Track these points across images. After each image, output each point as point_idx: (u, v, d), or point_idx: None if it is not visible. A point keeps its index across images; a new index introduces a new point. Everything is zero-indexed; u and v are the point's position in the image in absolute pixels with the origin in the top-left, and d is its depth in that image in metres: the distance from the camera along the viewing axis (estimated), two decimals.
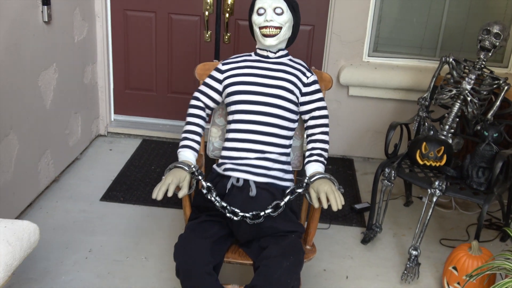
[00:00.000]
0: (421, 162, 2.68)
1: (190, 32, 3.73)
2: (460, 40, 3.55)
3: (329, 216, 3.09)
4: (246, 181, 2.06)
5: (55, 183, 3.23)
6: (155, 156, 3.67)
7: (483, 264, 2.24)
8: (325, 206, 1.90)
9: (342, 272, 2.63)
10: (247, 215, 1.95)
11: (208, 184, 1.99)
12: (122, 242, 2.73)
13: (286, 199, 1.97)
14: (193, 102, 2.23)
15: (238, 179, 2.08)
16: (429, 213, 2.54)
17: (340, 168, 3.69)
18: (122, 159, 3.62)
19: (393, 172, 2.69)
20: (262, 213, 1.96)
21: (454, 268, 2.42)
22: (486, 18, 3.38)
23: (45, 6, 2.82)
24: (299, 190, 1.98)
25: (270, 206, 1.97)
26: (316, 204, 1.94)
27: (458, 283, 2.40)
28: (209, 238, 1.97)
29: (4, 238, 1.67)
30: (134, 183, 3.30)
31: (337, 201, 1.89)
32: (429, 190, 2.56)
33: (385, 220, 3.04)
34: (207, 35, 3.71)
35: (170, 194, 1.89)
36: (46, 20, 2.85)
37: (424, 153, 2.66)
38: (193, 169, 1.99)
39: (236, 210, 1.96)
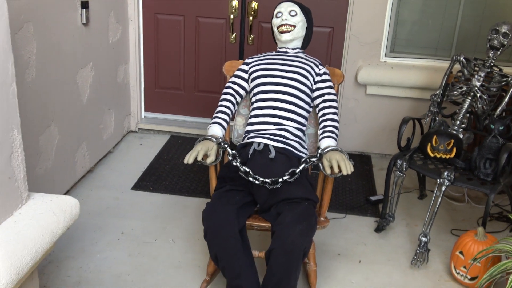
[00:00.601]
0: (431, 155, 2.84)
1: (216, 34, 3.96)
2: (474, 42, 3.69)
3: (345, 206, 3.26)
4: (266, 146, 2.33)
5: (90, 173, 3.48)
6: (182, 151, 3.90)
7: (486, 247, 2.39)
8: (336, 170, 2.11)
9: (355, 256, 2.80)
10: (266, 180, 2.16)
11: (233, 151, 2.23)
12: (151, 226, 2.96)
13: (301, 167, 2.19)
14: (225, 90, 2.54)
15: (259, 144, 2.35)
16: (438, 202, 2.69)
17: (358, 164, 3.85)
18: (151, 153, 3.85)
19: (404, 163, 2.85)
20: (280, 179, 2.16)
21: (461, 252, 2.57)
22: (500, 20, 3.51)
23: (84, 9, 3.08)
24: (314, 159, 2.19)
25: (286, 173, 2.17)
26: (328, 171, 2.14)
27: (464, 267, 2.55)
28: (234, 204, 2.19)
29: (50, 209, 1.91)
30: (162, 175, 3.53)
31: (347, 167, 2.09)
32: (438, 180, 2.71)
33: (399, 212, 3.19)
34: (232, 37, 3.93)
35: (199, 158, 2.17)
36: (84, 22, 3.11)
37: (434, 146, 2.82)
38: (220, 140, 2.25)
39: (257, 176, 2.17)
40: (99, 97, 3.48)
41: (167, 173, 3.55)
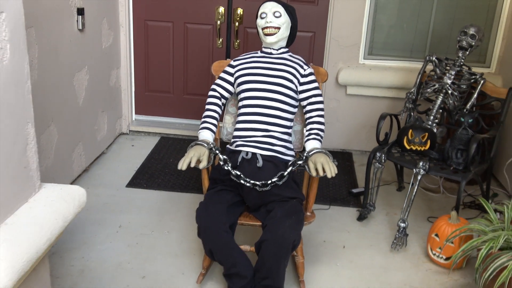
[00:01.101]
0: (408, 147, 3.07)
1: (204, 40, 4.16)
2: (446, 44, 3.94)
3: (329, 198, 3.47)
4: (254, 154, 2.47)
5: (86, 173, 3.64)
6: (172, 151, 4.08)
7: (458, 228, 2.62)
8: (321, 174, 2.29)
9: (339, 242, 3.00)
10: (257, 183, 2.34)
11: (224, 157, 2.39)
12: (147, 219, 3.13)
13: (289, 170, 2.37)
14: (211, 93, 2.66)
15: (247, 153, 2.48)
16: (415, 190, 2.91)
17: (340, 160, 4.07)
18: (143, 153, 4.02)
19: (383, 155, 3.07)
20: (269, 182, 2.35)
21: (436, 235, 2.79)
22: (471, 22, 3.77)
23: (80, 16, 3.25)
24: (300, 162, 2.37)
25: (275, 176, 2.36)
26: (314, 173, 2.32)
27: (440, 248, 2.77)
28: (225, 203, 2.37)
29: (61, 197, 2.07)
30: (155, 173, 3.70)
31: (331, 170, 2.28)
32: (414, 170, 2.94)
33: (379, 202, 3.41)
34: (219, 42, 4.13)
35: (192, 165, 2.29)
36: (80, 28, 3.28)
37: (410, 139, 3.05)
38: (211, 145, 2.40)
39: (247, 179, 2.35)
40: (94, 100, 3.65)
41: (159, 172, 3.73)
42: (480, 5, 3.86)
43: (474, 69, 3.25)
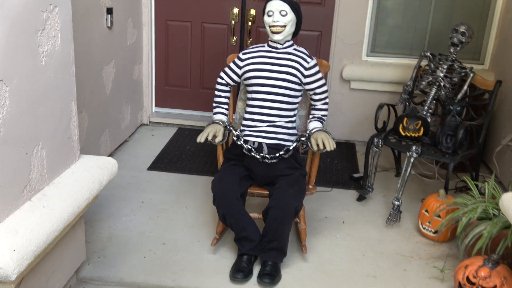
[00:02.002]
0: (403, 134, 3.39)
1: (219, 38, 4.52)
2: (444, 42, 4.24)
3: (332, 182, 3.80)
4: (260, 143, 2.80)
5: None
6: (189, 140, 4.43)
7: (444, 202, 2.93)
8: (321, 147, 2.62)
9: (340, 219, 3.33)
10: (266, 155, 2.68)
11: (237, 133, 2.74)
12: (166, 197, 3.48)
13: (294, 144, 2.71)
14: (220, 80, 2.97)
15: (254, 142, 2.81)
16: (408, 170, 3.23)
17: (343, 150, 4.40)
18: (162, 142, 4.39)
19: (380, 141, 3.39)
20: (277, 154, 2.69)
21: (426, 211, 3.10)
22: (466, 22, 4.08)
23: (109, 15, 3.63)
24: (303, 138, 2.71)
25: (282, 150, 2.70)
26: (315, 148, 2.66)
27: (429, 222, 3.08)
28: (237, 175, 2.71)
29: (97, 165, 2.44)
30: (173, 158, 4.06)
31: (330, 144, 2.61)
32: (407, 153, 3.26)
33: (378, 186, 3.73)
34: (233, 40, 4.49)
35: (210, 138, 2.68)
36: (109, 26, 3.66)
37: (405, 126, 3.37)
38: (226, 123, 2.76)
39: (258, 152, 2.70)
40: (119, 91, 4.02)
41: (177, 157, 4.08)
42: (475, 7, 4.17)
43: (470, 66, 3.55)
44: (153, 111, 4.78)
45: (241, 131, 2.87)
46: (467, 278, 2.49)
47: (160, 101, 4.77)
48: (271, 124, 2.81)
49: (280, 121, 2.82)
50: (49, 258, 2.16)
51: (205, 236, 3.05)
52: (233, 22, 4.42)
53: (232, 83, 2.97)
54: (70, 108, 2.30)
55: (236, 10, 4.39)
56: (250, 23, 4.39)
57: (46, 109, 2.08)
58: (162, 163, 3.98)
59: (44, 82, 2.05)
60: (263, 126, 2.81)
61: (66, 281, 2.40)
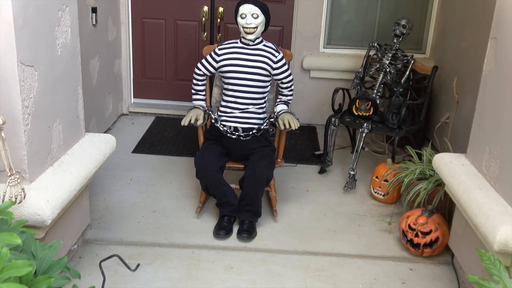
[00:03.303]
0: (356, 113, 3.95)
1: (191, 34, 4.99)
2: (390, 34, 4.81)
3: (296, 159, 4.33)
4: (235, 127, 3.27)
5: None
6: (166, 127, 4.88)
7: (389, 167, 3.50)
8: (287, 127, 3.13)
9: (304, 188, 3.85)
10: (241, 134, 3.17)
11: (215, 116, 3.22)
12: (152, 175, 3.93)
13: (264, 124, 3.21)
14: (197, 71, 3.39)
15: (230, 127, 3.29)
16: (361, 144, 3.78)
17: (306, 132, 4.94)
18: (142, 129, 4.82)
19: (337, 120, 3.94)
20: (250, 133, 3.19)
21: (376, 177, 3.66)
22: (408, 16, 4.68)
23: (94, 14, 4.04)
24: (272, 120, 3.22)
25: (254, 129, 3.20)
26: (282, 127, 3.17)
27: (379, 187, 3.64)
28: (216, 151, 3.20)
29: (100, 140, 2.88)
30: (154, 142, 4.51)
31: (294, 123, 3.12)
32: (360, 130, 3.81)
33: (336, 161, 4.27)
34: (204, 36, 4.96)
35: (193, 121, 3.13)
36: (94, 23, 4.08)
37: (357, 106, 3.93)
38: (205, 108, 3.24)
39: (233, 132, 3.19)
40: (103, 83, 4.44)
41: (158, 142, 4.53)
42: (416, 3, 4.77)
43: (411, 54, 4.13)
44: (132, 102, 5.20)
45: (219, 116, 3.33)
46: (409, 226, 3.06)
47: (138, 93, 5.20)
48: (245, 110, 3.29)
49: (253, 108, 3.29)
50: (64, 218, 2.60)
51: (190, 205, 3.52)
52: (203, 19, 4.89)
53: (208, 74, 3.40)
54: (78, 91, 2.74)
55: (206, 8, 4.86)
56: (219, 20, 4.87)
57: (61, 91, 2.52)
58: (144, 147, 4.42)
59: (60, 69, 2.49)
60: (237, 113, 3.28)
61: (76, 239, 2.84)
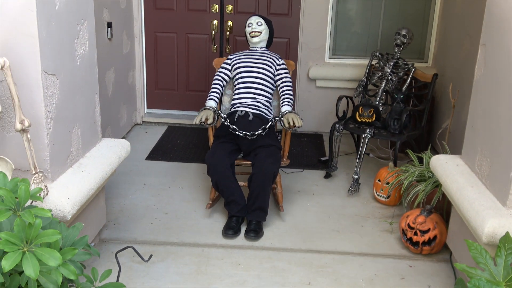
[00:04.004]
0: (359, 120, 4.11)
1: (202, 46, 5.21)
2: (392, 44, 5.01)
3: (303, 164, 4.50)
4: (246, 112, 3.52)
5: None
6: (179, 136, 5.08)
7: (391, 170, 3.65)
8: (292, 124, 3.33)
9: (310, 192, 4.02)
10: (247, 133, 3.37)
11: (225, 116, 3.44)
12: (164, 179, 4.12)
13: (270, 123, 3.41)
14: (216, 76, 3.73)
15: (242, 111, 3.53)
16: (364, 149, 3.94)
17: (312, 140, 5.11)
18: (155, 138, 5.03)
19: (341, 126, 4.11)
20: (256, 132, 3.38)
21: (379, 180, 3.82)
22: (411, 27, 4.85)
23: (109, 28, 4.28)
24: (277, 118, 3.42)
25: (260, 129, 3.39)
26: (287, 125, 3.37)
27: (382, 189, 3.79)
28: (226, 149, 3.39)
29: (116, 145, 3.07)
30: (167, 150, 4.71)
31: (298, 121, 3.33)
32: (363, 135, 3.97)
33: (341, 167, 4.43)
34: (214, 48, 5.18)
35: (203, 120, 3.38)
36: (110, 37, 4.31)
37: (360, 113, 4.09)
38: (215, 108, 3.46)
39: (241, 131, 3.38)
40: (118, 93, 4.66)
41: (170, 149, 4.74)
42: (417, 14, 4.95)
43: (412, 62, 4.30)
44: (145, 112, 5.42)
45: (231, 106, 3.63)
46: (408, 225, 3.20)
47: (151, 103, 5.42)
48: (254, 100, 3.59)
49: (261, 99, 3.61)
50: (83, 216, 2.79)
51: (200, 208, 3.70)
52: (213, 32, 5.11)
53: (226, 78, 3.74)
54: (95, 99, 2.95)
55: (215, 22, 5.08)
56: (228, 33, 5.09)
57: (80, 98, 2.73)
58: (157, 154, 4.62)
59: (79, 78, 2.70)
60: (249, 101, 3.58)
61: (93, 237, 3.02)
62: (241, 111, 3.56)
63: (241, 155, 3.52)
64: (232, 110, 3.63)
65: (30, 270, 1.37)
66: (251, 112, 3.55)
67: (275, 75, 3.68)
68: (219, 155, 3.32)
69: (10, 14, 2.21)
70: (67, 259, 1.51)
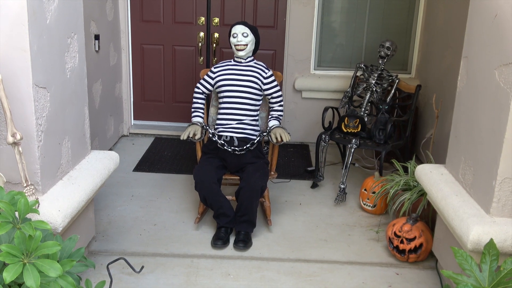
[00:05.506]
0: (345, 130, 4.18)
1: (188, 58, 5.25)
2: (377, 56, 5.10)
3: (290, 174, 4.54)
4: (231, 137, 3.52)
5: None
6: (166, 147, 5.10)
7: (377, 179, 3.71)
8: (279, 140, 3.36)
9: (297, 201, 4.06)
10: (236, 148, 3.40)
11: (213, 131, 3.45)
12: (152, 191, 4.14)
13: (257, 138, 3.44)
14: (196, 90, 3.69)
15: (226, 136, 3.53)
16: (350, 159, 4.00)
17: (299, 150, 5.16)
18: (142, 149, 5.04)
19: (327, 136, 4.17)
20: (244, 147, 3.41)
21: (365, 189, 3.88)
22: (394, 40, 4.95)
23: (96, 40, 4.30)
24: (265, 134, 3.45)
25: (248, 144, 3.42)
26: (274, 140, 3.40)
27: (368, 199, 3.85)
28: (213, 165, 3.41)
29: (105, 157, 3.09)
30: (154, 161, 4.72)
31: (286, 137, 3.36)
32: (349, 145, 4.04)
33: (328, 177, 4.49)
34: (200, 60, 5.22)
35: (191, 135, 3.36)
36: (97, 49, 4.33)
37: (346, 124, 4.16)
38: (203, 124, 3.47)
39: (229, 146, 3.41)
40: (105, 105, 4.67)
41: (157, 161, 4.75)
42: (401, 26, 5.06)
43: (396, 74, 4.39)
44: (132, 123, 5.43)
45: (215, 128, 3.60)
46: (395, 233, 3.26)
47: (138, 115, 5.43)
48: (240, 121, 3.54)
49: (247, 119, 3.55)
50: (72, 229, 2.80)
51: (188, 218, 3.72)
52: (200, 44, 5.16)
53: (206, 91, 3.69)
54: (84, 111, 2.97)
55: (202, 34, 5.13)
56: (214, 45, 5.14)
57: (70, 111, 2.75)
58: (145, 165, 4.63)
59: (69, 90, 2.72)
60: (233, 124, 3.54)
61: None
62: (226, 136, 3.52)
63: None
64: (218, 131, 3.57)
65: (31, 281, 1.40)
66: (236, 137, 3.52)
67: (262, 89, 3.58)
68: (206, 171, 3.35)
69: (1, 28, 2.23)
70: (65, 270, 1.53)
